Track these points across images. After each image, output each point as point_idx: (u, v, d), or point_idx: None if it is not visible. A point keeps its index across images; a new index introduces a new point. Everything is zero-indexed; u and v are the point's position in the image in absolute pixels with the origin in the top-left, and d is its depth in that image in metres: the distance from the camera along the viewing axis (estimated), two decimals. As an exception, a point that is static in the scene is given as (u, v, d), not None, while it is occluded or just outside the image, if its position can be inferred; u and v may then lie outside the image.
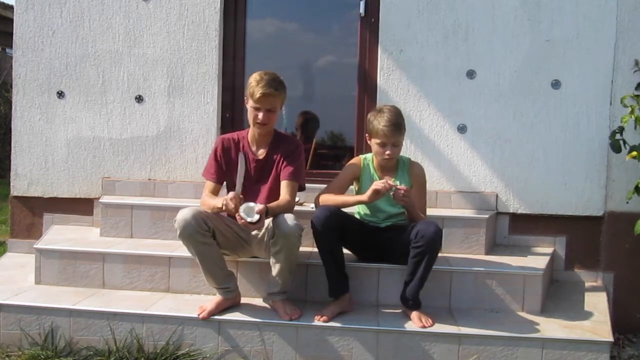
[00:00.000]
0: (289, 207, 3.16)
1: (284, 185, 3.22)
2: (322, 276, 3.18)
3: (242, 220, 2.92)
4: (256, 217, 2.93)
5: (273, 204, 3.09)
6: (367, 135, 3.31)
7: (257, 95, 3.12)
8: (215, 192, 3.28)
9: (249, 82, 3.20)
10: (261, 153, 3.28)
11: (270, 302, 3.20)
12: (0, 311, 3.20)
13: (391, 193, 3.10)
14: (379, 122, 3.17)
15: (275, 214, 3.06)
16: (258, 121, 3.18)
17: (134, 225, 3.81)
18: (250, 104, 3.21)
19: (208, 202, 3.19)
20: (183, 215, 3.03)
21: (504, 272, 3.34)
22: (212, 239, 3.09)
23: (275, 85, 3.14)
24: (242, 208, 2.94)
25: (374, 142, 3.24)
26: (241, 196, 3.05)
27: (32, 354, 3.07)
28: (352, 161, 3.40)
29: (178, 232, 3.03)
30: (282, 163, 3.25)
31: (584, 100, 3.81)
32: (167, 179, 4.14)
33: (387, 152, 3.19)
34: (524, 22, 3.84)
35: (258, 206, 2.94)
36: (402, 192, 3.08)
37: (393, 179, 3.15)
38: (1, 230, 5.67)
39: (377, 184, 3.09)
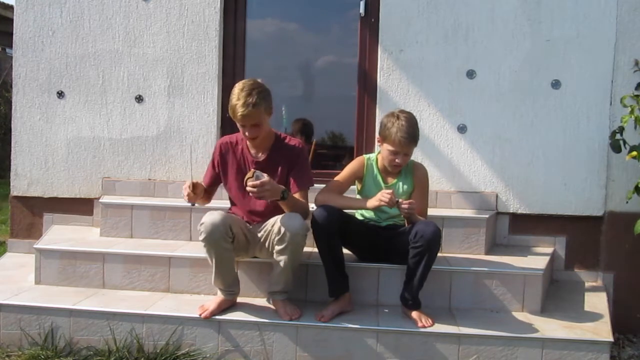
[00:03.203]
0: (303, 208, 3.14)
1: (297, 196, 3.20)
2: (322, 276, 3.18)
3: (256, 182, 2.88)
4: (265, 175, 2.92)
5: (292, 195, 3.10)
6: (378, 137, 3.29)
7: (238, 116, 3.04)
8: (207, 192, 3.29)
9: (230, 97, 3.09)
10: (261, 156, 3.25)
11: (271, 301, 3.20)
12: (0, 311, 3.20)
13: (397, 206, 3.11)
14: (396, 130, 3.13)
15: (291, 204, 3.07)
16: (246, 136, 3.14)
17: (134, 225, 3.81)
18: (236, 120, 3.13)
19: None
20: (212, 219, 2.99)
21: (504, 272, 3.34)
22: (232, 244, 3.09)
23: (253, 102, 3.00)
24: (254, 174, 2.93)
25: (385, 147, 3.22)
26: (194, 181, 3.05)
27: (32, 354, 3.07)
28: (355, 161, 3.39)
29: (204, 236, 2.99)
30: (287, 174, 3.21)
31: (584, 100, 3.81)
32: (167, 179, 4.14)
33: (397, 161, 3.19)
34: (524, 22, 3.84)
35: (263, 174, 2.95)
36: (407, 207, 3.09)
37: (394, 189, 3.14)
38: (1, 230, 5.67)
39: (384, 199, 3.06)
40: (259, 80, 3.18)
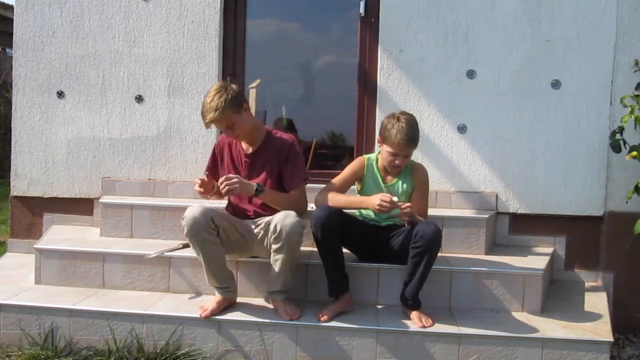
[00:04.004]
0: (290, 201, 3.17)
1: (293, 192, 3.25)
2: (322, 276, 3.18)
3: (221, 178, 3.03)
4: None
5: (270, 190, 3.16)
6: (379, 137, 3.29)
7: (206, 123, 3.12)
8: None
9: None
10: (251, 149, 3.30)
11: (271, 301, 3.20)
12: (0, 311, 3.20)
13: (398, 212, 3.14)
14: (396, 132, 3.13)
15: (274, 199, 3.13)
16: (228, 135, 3.24)
17: (134, 225, 3.82)
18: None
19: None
20: (192, 213, 3.03)
21: (504, 272, 3.34)
22: (217, 237, 3.10)
23: (215, 107, 3.06)
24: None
25: (385, 149, 3.22)
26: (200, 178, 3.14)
27: (32, 354, 3.07)
28: (355, 161, 3.39)
29: (185, 230, 3.02)
30: (279, 168, 3.24)
31: (584, 100, 3.81)
32: (167, 179, 4.14)
33: (397, 162, 3.20)
34: (524, 22, 3.84)
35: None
36: (407, 210, 3.10)
37: (396, 199, 3.14)
38: (1, 230, 5.67)
39: (382, 208, 3.07)
40: (253, 86, 3.23)
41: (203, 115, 3.13)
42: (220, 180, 3.04)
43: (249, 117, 3.22)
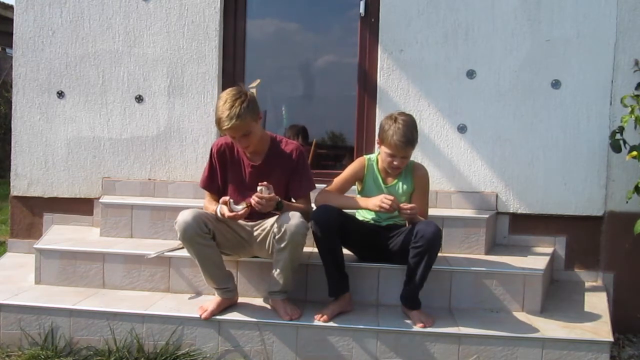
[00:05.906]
0: (302, 212, 3.12)
1: (300, 201, 3.24)
2: (322, 276, 3.18)
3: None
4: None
5: (287, 202, 3.15)
6: (378, 139, 3.29)
7: (224, 129, 3.02)
8: (216, 198, 3.29)
9: (215, 110, 3.07)
10: (257, 159, 3.24)
11: (270, 301, 3.20)
12: (0, 311, 3.20)
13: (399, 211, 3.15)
14: (392, 133, 3.12)
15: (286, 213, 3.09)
16: (239, 146, 3.17)
17: (134, 225, 3.82)
18: (222, 133, 3.14)
19: (208, 208, 3.25)
20: (184, 217, 3.02)
21: (504, 272, 3.34)
22: (212, 240, 3.09)
23: (237, 113, 2.95)
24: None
25: (383, 150, 3.22)
26: (230, 199, 3.06)
27: (32, 354, 3.07)
28: (356, 161, 3.38)
29: (179, 235, 3.03)
30: (286, 179, 3.21)
31: (584, 100, 3.81)
32: (167, 179, 4.14)
33: (395, 163, 3.19)
34: (524, 22, 3.84)
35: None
36: (408, 211, 3.11)
37: (394, 190, 3.14)
38: (1, 230, 5.67)
39: (384, 206, 3.07)
40: (253, 86, 3.18)
41: (221, 122, 2.99)
42: (256, 196, 2.97)
43: (259, 125, 3.16)
